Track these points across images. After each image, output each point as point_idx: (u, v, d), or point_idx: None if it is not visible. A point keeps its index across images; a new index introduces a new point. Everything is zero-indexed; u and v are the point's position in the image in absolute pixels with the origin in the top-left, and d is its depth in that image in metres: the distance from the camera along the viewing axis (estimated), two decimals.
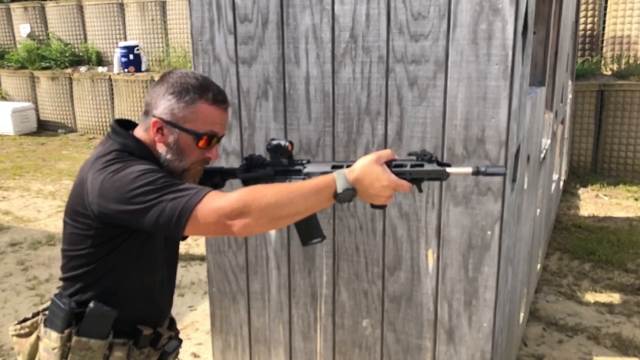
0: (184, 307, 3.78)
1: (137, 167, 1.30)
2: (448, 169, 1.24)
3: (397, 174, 1.25)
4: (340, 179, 1.22)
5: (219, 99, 1.40)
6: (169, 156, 1.40)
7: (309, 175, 1.43)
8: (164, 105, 1.38)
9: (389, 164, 1.27)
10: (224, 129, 1.45)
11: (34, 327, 1.46)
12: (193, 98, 1.37)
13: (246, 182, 1.53)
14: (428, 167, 1.25)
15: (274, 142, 1.49)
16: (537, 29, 3.22)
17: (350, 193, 1.22)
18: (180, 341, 1.62)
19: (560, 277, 4.22)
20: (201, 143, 1.39)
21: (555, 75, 3.80)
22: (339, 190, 1.22)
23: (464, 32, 1.93)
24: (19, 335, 1.47)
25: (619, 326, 3.50)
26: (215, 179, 1.59)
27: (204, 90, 1.38)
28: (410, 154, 1.31)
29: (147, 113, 1.42)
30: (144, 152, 1.40)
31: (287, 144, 1.47)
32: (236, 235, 1.20)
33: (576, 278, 4.21)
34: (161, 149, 1.41)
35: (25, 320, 1.49)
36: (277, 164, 1.49)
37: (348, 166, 1.31)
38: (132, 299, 1.46)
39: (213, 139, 1.41)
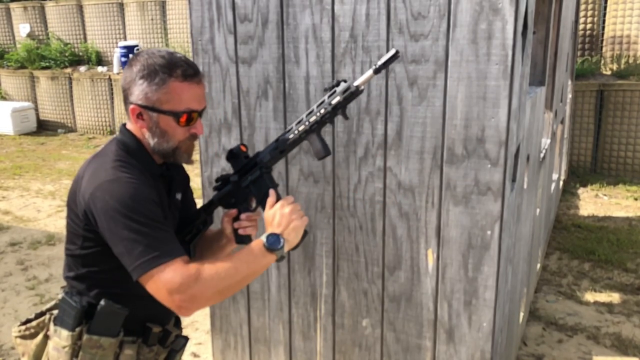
0: None
1: (132, 187, 1.30)
2: (354, 83, 1.38)
3: (323, 113, 1.40)
4: (264, 235, 1.38)
5: (189, 74, 1.36)
6: (155, 139, 1.40)
7: (265, 165, 1.50)
8: (137, 90, 1.36)
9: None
10: (203, 102, 1.42)
11: (40, 328, 1.46)
12: (163, 78, 1.34)
13: (222, 203, 1.58)
14: (339, 89, 1.39)
15: (229, 151, 1.54)
16: (537, 29, 3.23)
17: (274, 237, 1.37)
18: (187, 339, 1.63)
19: (559, 277, 4.22)
20: (182, 121, 1.38)
21: (555, 75, 3.80)
22: (264, 239, 1.36)
23: (464, 31, 1.93)
24: (24, 337, 1.46)
25: (619, 326, 3.51)
26: (201, 218, 1.61)
27: (172, 68, 1.35)
28: (325, 89, 1.43)
29: (125, 100, 1.41)
30: (138, 146, 1.42)
31: (240, 146, 1.53)
32: (183, 314, 1.29)
33: (576, 278, 4.21)
34: (146, 134, 1.40)
35: (28, 321, 1.48)
36: (238, 169, 1.54)
37: (288, 130, 1.47)
38: (138, 297, 1.46)
39: (193, 115, 1.40)
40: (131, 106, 1.38)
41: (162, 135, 1.39)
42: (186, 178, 1.64)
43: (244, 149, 1.53)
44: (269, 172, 1.51)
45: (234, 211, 1.54)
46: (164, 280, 1.24)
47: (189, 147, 1.45)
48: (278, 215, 1.40)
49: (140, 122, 1.39)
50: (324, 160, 2.27)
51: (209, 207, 1.60)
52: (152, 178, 1.42)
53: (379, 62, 1.35)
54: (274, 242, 1.36)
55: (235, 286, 1.31)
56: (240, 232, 1.54)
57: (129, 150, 1.40)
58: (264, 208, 1.47)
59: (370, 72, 1.37)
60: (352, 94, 1.38)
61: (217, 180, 1.58)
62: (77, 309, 1.39)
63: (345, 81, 1.40)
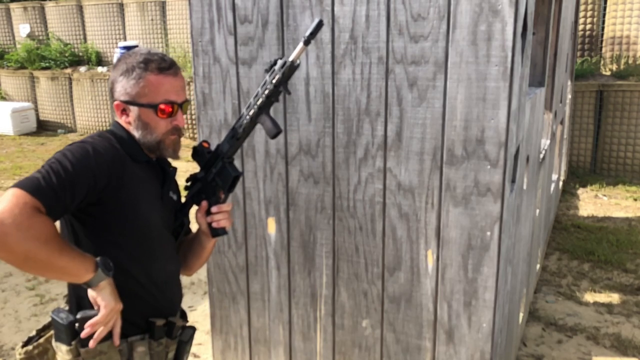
0: (184, 307, 3.78)
1: (85, 150, 1.34)
2: (289, 58, 1.45)
3: (268, 93, 1.47)
4: (101, 272, 1.32)
5: (163, 66, 1.44)
6: (139, 132, 1.46)
7: (226, 155, 1.54)
8: (119, 87, 1.45)
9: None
10: (181, 94, 1.48)
11: (49, 342, 1.47)
12: (139, 73, 1.42)
13: (195, 201, 1.60)
14: (277, 67, 1.46)
15: (192, 149, 1.59)
16: (537, 30, 3.23)
17: (109, 266, 1.34)
18: (194, 329, 1.64)
19: (559, 277, 4.22)
20: (160, 113, 1.44)
21: (555, 75, 3.80)
22: (101, 258, 1.33)
23: (464, 33, 1.93)
24: (31, 357, 1.47)
25: (618, 326, 3.51)
26: (178, 220, 1.62)
27: (147, 63, 1.43)
28: (266, 70, 1.49)
29: (112, 98, 1.50)
30: (128, 135, 1.47)
31: (202, 143, 1.58)
32: None
33: (575, 278, 4.21)
34: (131, 127, 1.47)
35: (30, 340, 1.48)
36: (203, 165, 1.58)
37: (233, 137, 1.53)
38: (140, 292, 1.47)
39: (173, 106, 1.45)
40: (115, 102, 1.47)
41: (144, 128, 1.45)
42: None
43: (206, 145, 1.58)
44: (231, 161, 1.57)
45: (204, 204, 1.57)
46: (6, 202, 1.18)
47: (174, 142, 1.50)
48: (112, 297, 1.36)
49: (124, 117, 1.47)
50: (324, 161, 2.27)
51: (184, 208, 1.63)
52: (134, 161, 1.44)
53: (307, 34, 1.42)
54: (105, 266, 1.32)
55: (44, 265, 1.23)
56: (214, 225, 1.56)
57: (118, 137, 1.46)
58: (229, 191, 1.55)
59: (301, 44, 1.43)
60: (289, 69, 1.45)
61: (187, 180, 1.61)
62: (64, 325, 1.40)
63: (281, 59, 1.47)
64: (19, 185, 1.22)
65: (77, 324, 1.37)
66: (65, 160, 1.29)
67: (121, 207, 1.39)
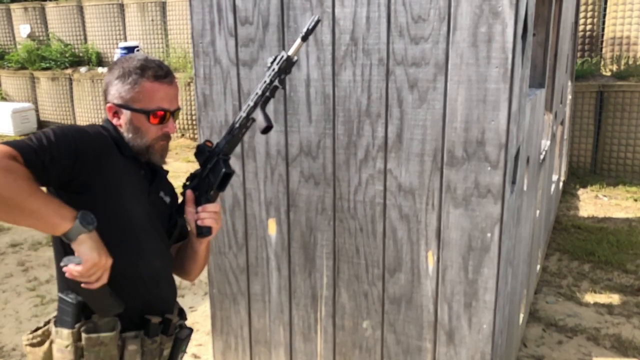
0: (184, 308, 3.78)
1: (75, 128, 1.36)
2: (289, 52, 1.45)
3: (264, 88, 1.47)
4: (79, 224, 1.26)
5: (159, 74, 1.46)
6: (129, 135, 1.48)
7: (222, 152, 1.54)
8: (113, 90, 1.47)
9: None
10: (174, 102, 1.51)
11: (46, 336, 1.47)
12: (135, 79, 1.45)
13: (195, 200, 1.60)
14: (275, 62, 1.46)
15: (196, 148, 1.60)
16: (537, 31, 3.23)
17: (91, 220, 1.27)
18: (191, 329, 1.64)
19: (559, 278, 4.22)
20: (152, 120, 1.47)
21: (555, 76, 3.81)
22: (82, 212, 1.27)
23: (464, 34, 1.93)
24: (32, 345, 1.48)
25: (619, 327, 3.51)
26: (172, 219, 1.63)
27: (144, 70, 1.45)
28: (267, 68, 1.49)
29: (105, 100, 1.52)
30: (117, 132, 1.49)
31: (205, 142, 1.59)
32: None
33: (576, 279, 4.21)
34: (122, 130, 1.49)
35: (38, 329, 1.49)
36: (202, 163, 1.59)
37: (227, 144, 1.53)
38: (129, 287, 1.47)
39: (165, 114, 1.48)
40: (107, 105, 1.49)
41: (135, 132, 1.47)
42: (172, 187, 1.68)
43: (209, 144, 1.59)
44: (227, 159, 1.56)
45: (188, 194, 1.55)
46: None
47: (163, 147, 1.53)
48: (94, 252, 1.29)
49: (115, 120, 1.49)
50: (324, 162, 2.27)
51: (180, 207, 1.62)
52: (121, 153, 1.46)
53: (304, 29, 1.43)
54: (85, 219, 1.27)
55: (12, 205, 1.19)
56: (199, 223, 1.54)
57: (107, 130, 1.48)
58: (219, 189, 1.53)
59: (298, 40, 1.44)
60: (285, 63, 1.45)
61: (187, 179, 1.61)
62: (73, 304, 1.39)
63: (279, 55, 1.48)
64: (8, 142, 1.24)
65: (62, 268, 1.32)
66: (49, 130, 1.32)
67: (104, 195, 1.39)
